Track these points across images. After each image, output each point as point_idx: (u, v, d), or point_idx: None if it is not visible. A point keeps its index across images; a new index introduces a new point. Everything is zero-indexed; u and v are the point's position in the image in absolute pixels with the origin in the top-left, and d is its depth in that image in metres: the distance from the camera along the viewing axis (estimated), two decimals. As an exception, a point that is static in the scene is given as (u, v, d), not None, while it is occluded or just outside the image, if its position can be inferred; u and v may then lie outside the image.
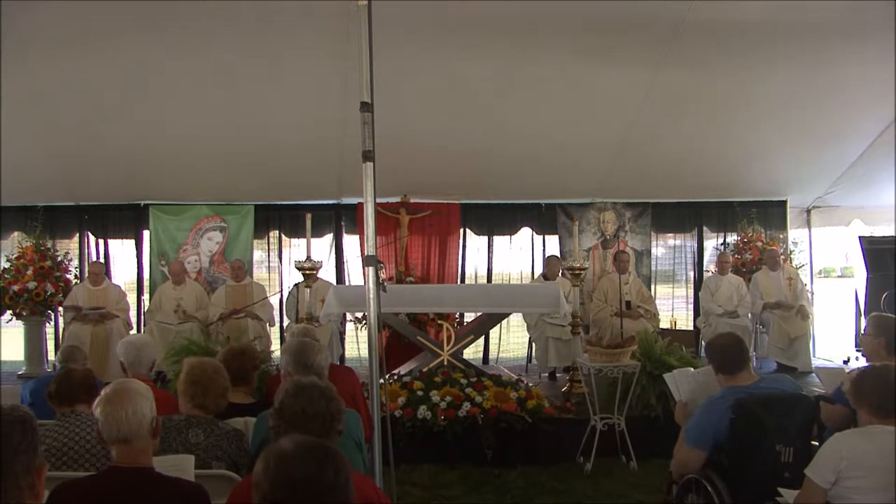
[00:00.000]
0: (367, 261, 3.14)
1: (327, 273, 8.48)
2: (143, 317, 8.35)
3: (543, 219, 8.95)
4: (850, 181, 8.43)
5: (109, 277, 8.23)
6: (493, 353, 8.87)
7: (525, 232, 9.04)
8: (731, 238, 8.99)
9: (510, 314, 7.85)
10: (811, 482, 2.65)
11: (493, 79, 6.64)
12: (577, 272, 6.44)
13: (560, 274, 7.90)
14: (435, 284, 8.29)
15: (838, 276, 18.96)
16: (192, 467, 2.59)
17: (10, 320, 7.92)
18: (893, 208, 8.29)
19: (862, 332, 4.05)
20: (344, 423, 2.35)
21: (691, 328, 8.47)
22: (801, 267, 8.73)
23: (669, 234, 9.25)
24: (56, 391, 3.14)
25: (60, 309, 7.82)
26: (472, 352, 8.23)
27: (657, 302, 8.43)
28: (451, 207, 8.73)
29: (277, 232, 8.85)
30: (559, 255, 8.49)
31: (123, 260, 8.76)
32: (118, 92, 6.50)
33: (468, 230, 8.96)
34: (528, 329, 8.04)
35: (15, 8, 5.15)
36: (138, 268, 8.64)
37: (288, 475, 1.54)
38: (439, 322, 6.91)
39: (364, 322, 7.55)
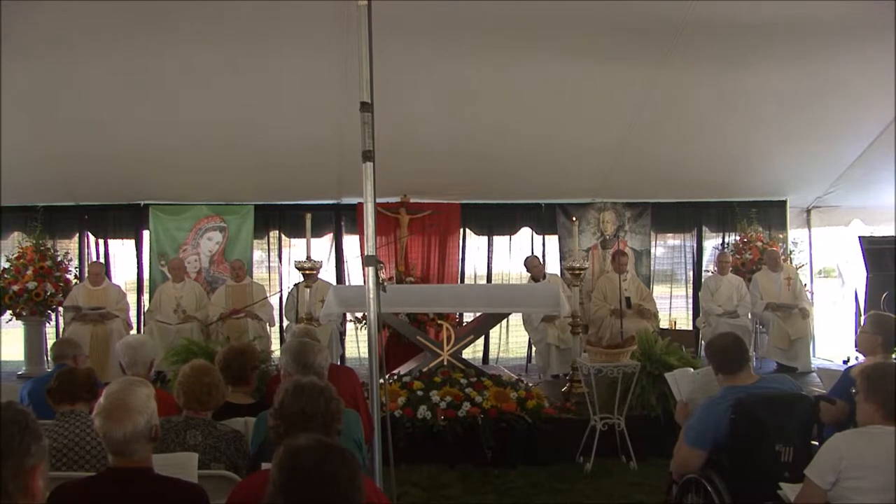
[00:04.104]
0: (367, 261, 3.14)
1: (327, 273, 8.48)
2: (143, 317, 8.35)
3: (543, 219, 8.95)
4: (850, 181, 8.43)
5: (109, 277, 8.23)
6: (493, 353, 8.86)
7: (525, 232, 9.03)
8: (731, 238, 8.99)
9: (510, 314, 7.85)
10: (811, 483, 2.65)
11: (493, 79, 6.63)
12: (577, 272, 6.44)
13: (557, 273, 7.90)
14: (435, 284, 8.29)
15: (838, 276, 18.90)
16: (196, 466, 2.59)
17: (10, 320, 7.91)
18: (893, 208, 8.29)
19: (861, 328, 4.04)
20: (343, 423, 2.36)
21: (691, 328, 8.47)
22: (801, 267, 8.73)
23: (669, 234, 9.25)
24: (57, 388, 3.13)
25: (60, 309, 7.82)
26: (472, 352, 8.23)
27: (657, 302, 8.42)
28: (451, 207, 8.73)
29: (277, 232, 8.85)
30: (536, 255, 8.50)
31: (123, 260, 8.76)
32: (118, 92, 6.50)
33: (468, 230, 8.96)
34: (529, 332, 8.03)
35: (15, 8, 5.15)
36: (138, 268, 8.64)
37: (311, 472, 1.57)
38: (439, 322, 6.90)
39: (364, 322, 7.55)
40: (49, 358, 7.84)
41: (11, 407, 1.61)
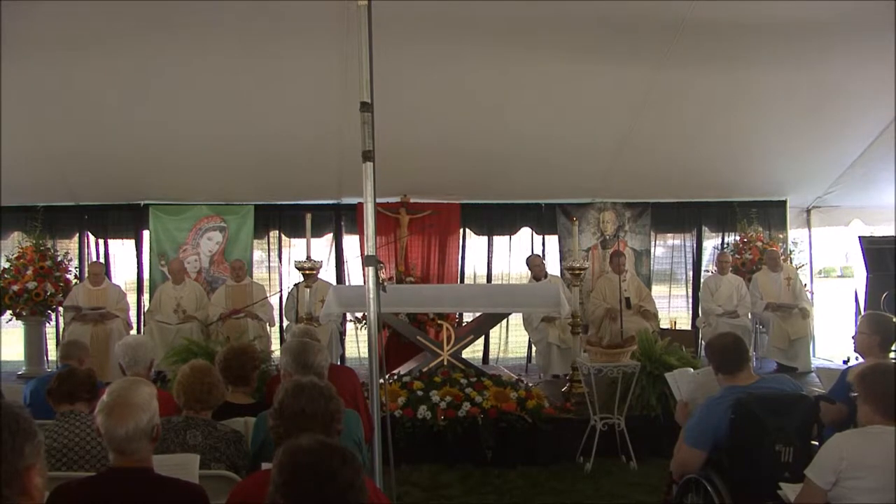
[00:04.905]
0: (367, 261, 3.14)
1: (327, 273, 8.48)
2: (143, 317, 8.35)
3: (543, 219, 8.95)
4: (850, 181, 8.43)
5: (109, 277, 8.23)
6: (493, 353, 8.87)
7: (525, 232, 9.03)
8: (731, 238, 8.99)
9: (510, 314, 7.85)
10: (811, 483, 2.65)
11: (493, 78, 6.63)
12: (577, 272, 6.44)
13: (557, 275, 7.89)
14: (435, 284, 8.29)
15: (838, 276, 18.95)
16: (197, 467, 2.59)
17: (10, 320, 7.91)
18: (893, 208, 8.29)
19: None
20: (343, 423, 2.36)
21: (691, 328, 8.47)
22: (801, 267, 8.73)
23: (669, 234, 9.24)
24: (57, 388, 3.13)
25: (60, 309, 7.82)
26: (472, 352, 8.23)
27: (656, 302, 8.42)
28: (451, 207, 8.73)
29: (277, 232, 8.85)
30: (539, 255, 8.51)
31: (123, 260, 8.76)
32: (118, 92, 6.51)
33: (468, 230, 8.96)
34: (529, 332, 8.03)
35: (15, 8, 5.15)
36: (138, 268, 8.63)
37: (311, 472, 1.57)
38: (439, 322, 6.90)
39: (364, 322, 7.55)
40: (50, 358, 7.87)
41: (1, 411, 1.55)
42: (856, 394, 2.82)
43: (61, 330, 7.92)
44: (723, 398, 3.22)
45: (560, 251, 8.83)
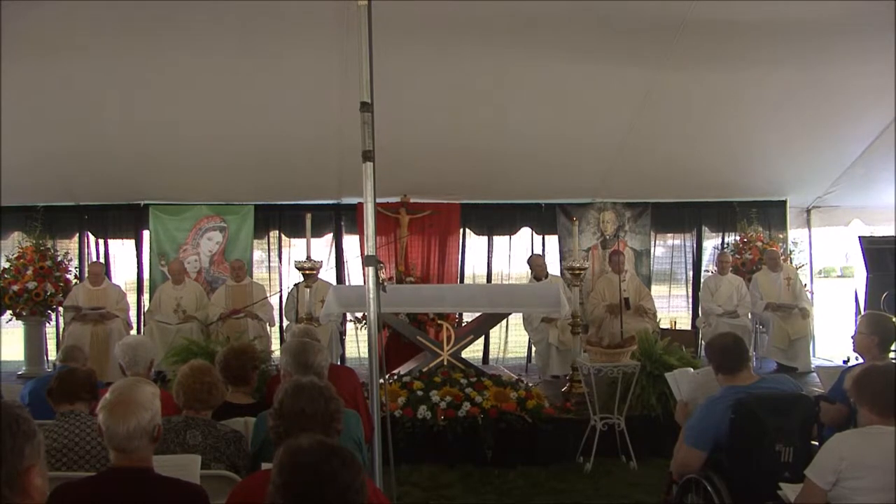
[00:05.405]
0: (367, 261, 3.14)
1: (327, 273, 8.48)
2: (143, 317, 8.35)
3: (543, 219, 8.95)
4: (850, 181, 8.43)
5: (109, 277, 8.23)
6: (493, 353, 8.86)
7: (525, 232, 9.03)
8: (731, 238, 8.99)
9: (510, 314, 7.85)
10: (811, 483, 2.65)
11: (493, 79, 6.63)
12: (577, 272, 6.44)
13: (558, 275, 7.89)
14: (435, 284, 8.29)
15: (838, 276, 18.96)
16: (198, 467, 2.59)
17: (10, 320, 7.91)
18: (893, 208, 8.29)
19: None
20: (343, 423, 2.36)
21: (691, 328, 8.47)
22: (801, 267, 8.73)
23: (669, 234, 9.25)
24: (57, 388, 3.13)
25: (60, 309, 7.82)
26: (472, 352, 8.22)
27: (656, 302, 8.43)
28: (451, 207, 8.73)
29: (277, 232, 8.85)
30: (541, 254, 8.52)
31: (123, 260, 8.76)
32: (118, 92, 6.50)
33: (468, 230, 8.96)
34: (529, 332, 8.03)
35: (15, 8, 5.15)
36: (138, 268, 8.64)
37: (311, 472, 1.56)
38: (439, 322, 6.90)
39: (364, 322, 7.55)
40: (50, 358, 7.87)
41: (1, 411, 1.53)
42: (852, 398, 2.83)
43: (61, 330, 7.92)
44: (723, 398, 3.22)
45: (560, 251, 8.84)
